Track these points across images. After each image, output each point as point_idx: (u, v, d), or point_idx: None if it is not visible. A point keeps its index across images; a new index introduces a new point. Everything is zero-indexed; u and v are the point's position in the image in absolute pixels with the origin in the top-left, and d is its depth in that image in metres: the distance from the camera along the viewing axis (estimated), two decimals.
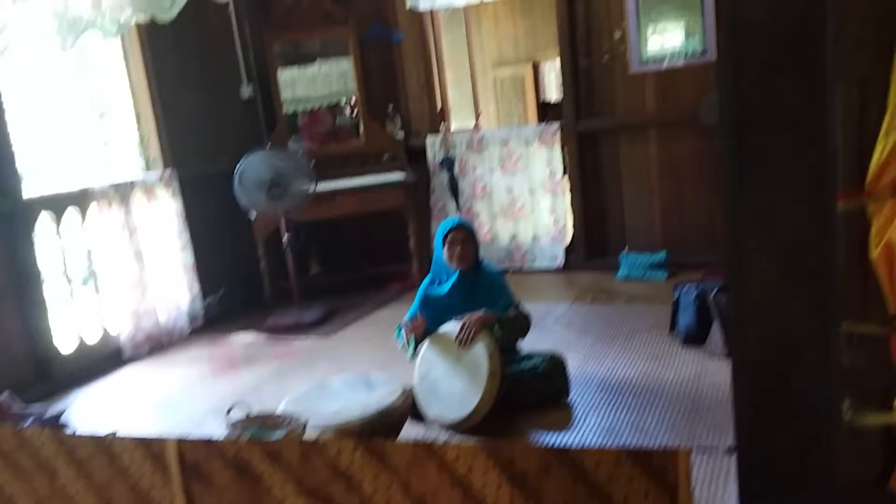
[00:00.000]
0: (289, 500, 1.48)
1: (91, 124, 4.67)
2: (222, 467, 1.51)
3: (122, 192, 4.24)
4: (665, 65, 4.57)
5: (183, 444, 1.55)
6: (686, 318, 3.37)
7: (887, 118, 1.54)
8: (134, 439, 1.60)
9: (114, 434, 1.69)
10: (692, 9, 4.44)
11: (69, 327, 4.02)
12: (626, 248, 4.81)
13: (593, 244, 4.99)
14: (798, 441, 1.49)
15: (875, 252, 1.60)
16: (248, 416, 2.33)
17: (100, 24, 3.45)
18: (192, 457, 1.54)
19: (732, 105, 1.34)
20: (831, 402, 1.47)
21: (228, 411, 2.31)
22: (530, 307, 3.15)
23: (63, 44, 3.52)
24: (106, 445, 1.62)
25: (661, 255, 4.60)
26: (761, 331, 1.48)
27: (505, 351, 2.85)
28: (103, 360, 4.11)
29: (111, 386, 3.89)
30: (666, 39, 4.57)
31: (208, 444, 1.52)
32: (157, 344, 4.37)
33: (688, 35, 4.51)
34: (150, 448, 1.58)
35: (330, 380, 2.89)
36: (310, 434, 2.29)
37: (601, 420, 2.74)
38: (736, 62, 1.34)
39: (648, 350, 3.38)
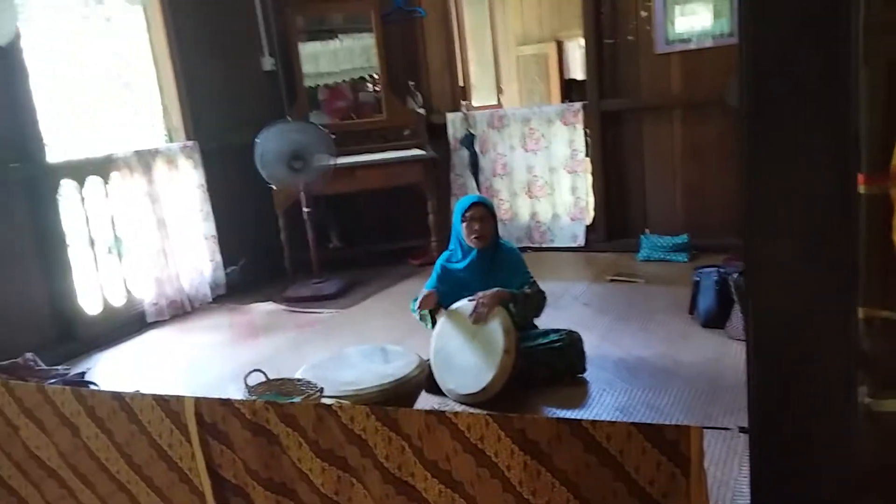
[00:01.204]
0: (304, 461, 1.50)
1: (115, 93, 4.71)
2: (239, 427, 1.53)
3: (145, 160, 4.28)
4: (692, 45, 4.50)
5: (201, 404, 1.57)
6: (706, 300, 3.35)
7: None
8: (153, 397, 1.63)
9: (135, 393, 1.72)
10: None
11: (94, 291, 4.09)
12: (648, 229, 4.78)
13: (614, 224, 4.96)
14: (812, 425, 1.48)
15: None
16: (265, 381, 2.36)
17: None
18: (210, 416, 1.56)
19: (753, 83, 1.31)
20: (848, 386, 1.46)
21: (247, 376, 2.34)
22: (548, 285, 3.14)
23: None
24: (126, 403, 1.65)
25: (682, 238, 4.57)
26: (777, 314, 1.46)
27: (521, 328, 2.86)
28: (127, 323, 4.19)
29: (134, 349, 3.97)
30: (694, 20, 4.49)
31: (226, 404, 1.54)
32: (180, 310, 4.44)
33: (716, 16, 4.43)
34: (169, 406, 1.60)
35: (347, 350, 2.92)
36: (325, 401, 2.32)
37: (616, 398, 2.74)
38: (757, 39, 1.30)
39: (666, 331, 3.36)
